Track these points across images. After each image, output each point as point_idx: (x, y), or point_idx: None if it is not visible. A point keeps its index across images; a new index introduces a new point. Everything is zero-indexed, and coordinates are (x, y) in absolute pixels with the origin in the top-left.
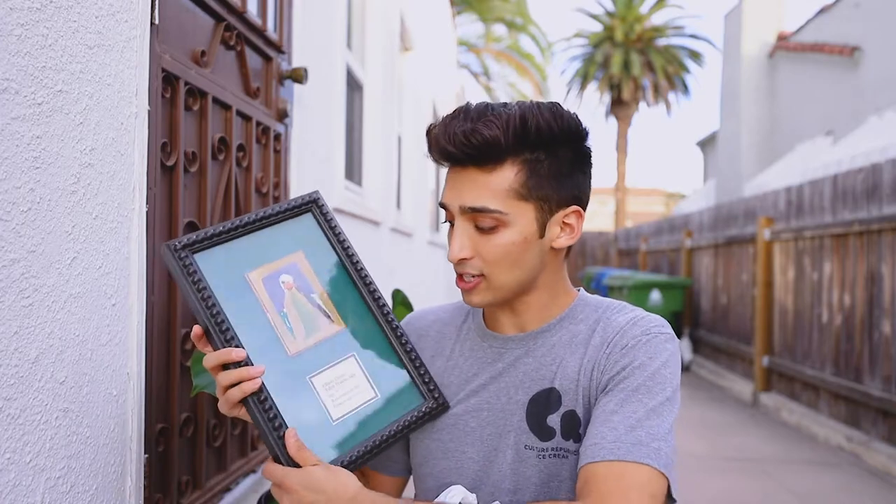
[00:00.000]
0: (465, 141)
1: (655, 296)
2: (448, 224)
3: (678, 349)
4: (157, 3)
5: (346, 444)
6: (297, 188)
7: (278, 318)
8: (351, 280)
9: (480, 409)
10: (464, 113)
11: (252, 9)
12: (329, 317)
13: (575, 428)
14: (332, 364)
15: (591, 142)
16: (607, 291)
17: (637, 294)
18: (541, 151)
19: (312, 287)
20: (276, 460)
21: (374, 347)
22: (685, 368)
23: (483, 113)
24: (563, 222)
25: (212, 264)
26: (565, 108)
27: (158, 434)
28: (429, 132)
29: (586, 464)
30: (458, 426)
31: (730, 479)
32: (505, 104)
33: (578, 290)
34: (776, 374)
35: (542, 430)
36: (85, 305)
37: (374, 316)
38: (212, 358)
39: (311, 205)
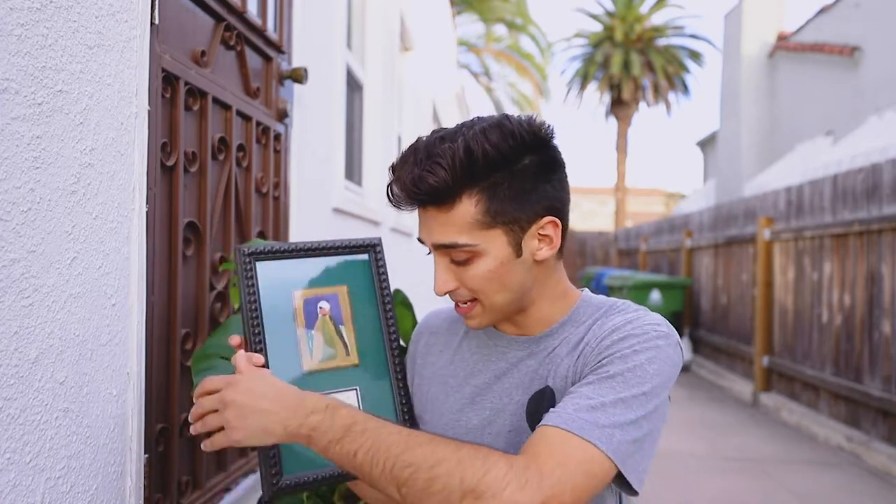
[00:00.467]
0: (415, 189)
1: (655, 296)
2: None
3: (675, 352)
4: (157, 3)
5: (319, 464)
6: (297, 188)
7: (305, 335)
8: (380, 327)
9: (483, 406)
10: (413, 157)
11: (252, 9)
12: (348, 350)
13: None
14: (335, 390)
15: (558, 143)
16: (607, 291)
17: (637, 294)
18: (496, 176)
19: (343, 319)
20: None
21: (376, 390)
22: (685, 368)
23: (430, 155)
24: (540, 234)
25: (268, 274)
26: (514, 120)
27: (158, 434)
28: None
29: (541, 426)
30: (461, 422)
31: (730, 479)
32: (453, 136)
33: (582, 291)
34: (776, 374)
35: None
36: (85, 305)
37: (388, 365)
38: (239, 357)
39: (370, 249)
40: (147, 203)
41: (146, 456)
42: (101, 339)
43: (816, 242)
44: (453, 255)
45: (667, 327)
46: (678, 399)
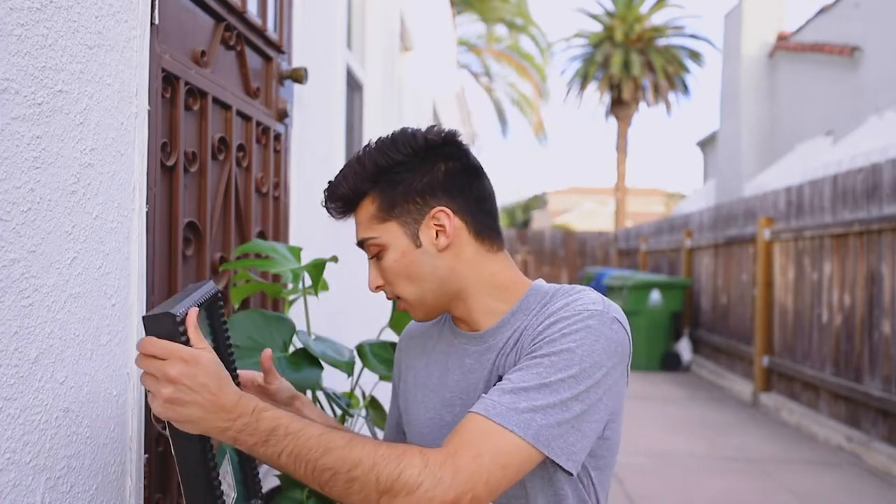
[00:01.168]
0: (329, 197)
1: (655, 296)
2: None
3: (612, 328)
4: (157, 3)
5: None
6: (297, 188)
7: None
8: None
9: (454, 403)
10: (328, 190)
11: (252, 9)
12: None
13: None
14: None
15: (465, 149)
16: (607, 291)
17: (637, 294)
18: (390, 178)
19: None
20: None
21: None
22: (685, 368)
23: (340, 172)
24: (435, 225)
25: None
26: (410, 133)
27: (158, 434)
28: None
29: (468, 412)
30: (436, 420)
31: (730, 479)
32: (360, 149)
33: (533, 281)
34: (776, 374)
35: None
36: (85, 305)
37: None
38: (193, 329)
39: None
40: (147, 203)
41: (146, 456)
42: (101, 339)
43: (816, 242)
44: (369, 250)
45: (602, 305)
46: (678, 399)
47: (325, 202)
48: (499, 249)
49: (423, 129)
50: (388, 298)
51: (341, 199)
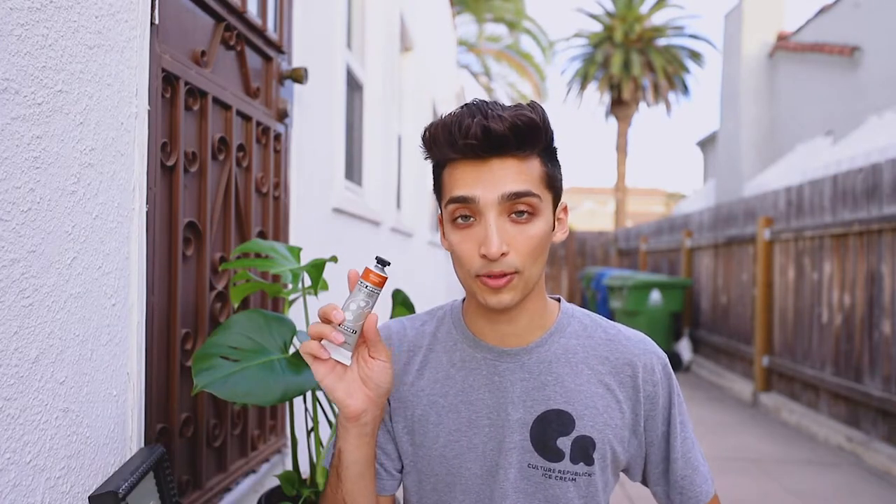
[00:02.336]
0: (516, 122)
1: (655, 296)
2: (451, 224)
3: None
4: (157, 3)
5: None
6: (297, 188)
7: None
8: None
9: (481, 424)
10: (488, 109)
11: (252, 9)
12: None
13: (587, 453)
14: None
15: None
16: (607, 291)
17: (637, 294)
18: (549, 146)
19: None
20: None
21: None
22: (685, 369)
23: (508, 107)
24: (558, 217)
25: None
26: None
27: (158, 434)
28: (435, 130)
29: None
30: (462, 442)
31: (729, 478)
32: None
33: (560, 301)
34: (776, 374)
35: (547, 451)
36: (85, 305)
37: None
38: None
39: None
40: (147, 203)
41: None
42: (101, 339)
43: (816, 242)
44: (517, 207)
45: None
46: None
47: (496, 121)
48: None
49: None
50: (497, 270)
51: (525, 128)
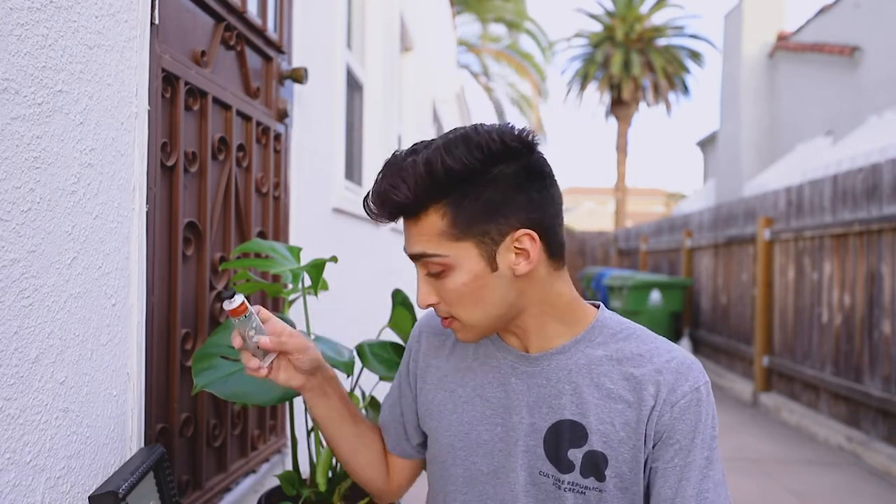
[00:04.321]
0: (381, 203)
1: (655, 296)
2: None
3: (711, 396)
4: (157, 3)
5: None
6: (297, 188)
7: None
8: None
9: (494, 423)
10: (383, 172)
11: (252, 9)
12: None
13: (598, 469)
14: None
15: (541, 151)
16: (607, 291)
17: (637, 294)
18: (462, 188)
19: None
20: None
21: None
22: None
23: (396, 170)
24: (516, 248)
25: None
26: (483, 131)
27: (158, 434)
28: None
29: None
30: (472, 435)
31: (729, 478)
32: (420, 150)
33: (599, 308)
34: (776, 374)
35: (559, 461)
36: (85, 305)
37: None
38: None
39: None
40: (147, 203)
41: None
42: (101, 339)
43: (816, 242)
44: (428, 266)
45: (699, 370)
46: None
47: (372, 206)
48: (563, 266)
49: (495, 126)
50: (440, 316)
51: (397, 207)
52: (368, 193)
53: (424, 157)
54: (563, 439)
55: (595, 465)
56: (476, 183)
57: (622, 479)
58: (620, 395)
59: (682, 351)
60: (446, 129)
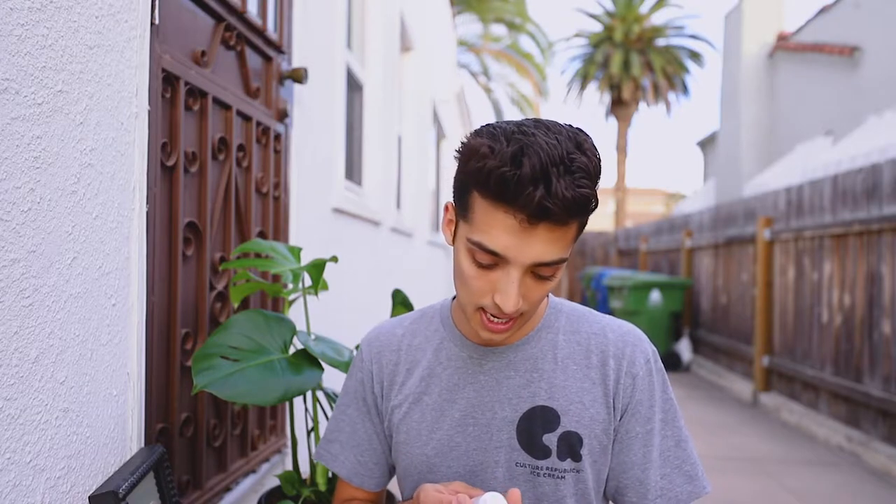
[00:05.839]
0: (573, 204)
1: (655, 296)
2: (467, 252)
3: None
4: (157, 3)
5: None
6: (297, 188)
7: None
8: None
9: (466, 423)
10: (554, 171)
11: (252, 9)
12: None
13: (574, 449)
14: None
15: None
16: (607, 291)
17: (637, 294)
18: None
19: None
20: None
21: None
22: (685, 368)
23: (572, 169)
24: None
25: None
26: (574, 129)
27: (158, 434)
28: (487, 166)
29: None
30: (444, 441)
31: (729, 478)
32: (578, 145)
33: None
34: (776, 374)
35: (534, 448)
36: (85, 305)
37: None
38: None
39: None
40: (147, 203)
41: None
42: (101, 339)
43: (816, 242)
44: (547, 271)
45: (646, 340)
46: (678, 399)
47: (554, 207)
48: None
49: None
50: (506, 317)
51: (585, 204)
52: (541, 190)
53: (593, 157)
54: (535, 426)
55: (570, 447)
56: None
57: (594, 456)
58: (586, 374)
59: (626, 323)
60: (446, 129)
